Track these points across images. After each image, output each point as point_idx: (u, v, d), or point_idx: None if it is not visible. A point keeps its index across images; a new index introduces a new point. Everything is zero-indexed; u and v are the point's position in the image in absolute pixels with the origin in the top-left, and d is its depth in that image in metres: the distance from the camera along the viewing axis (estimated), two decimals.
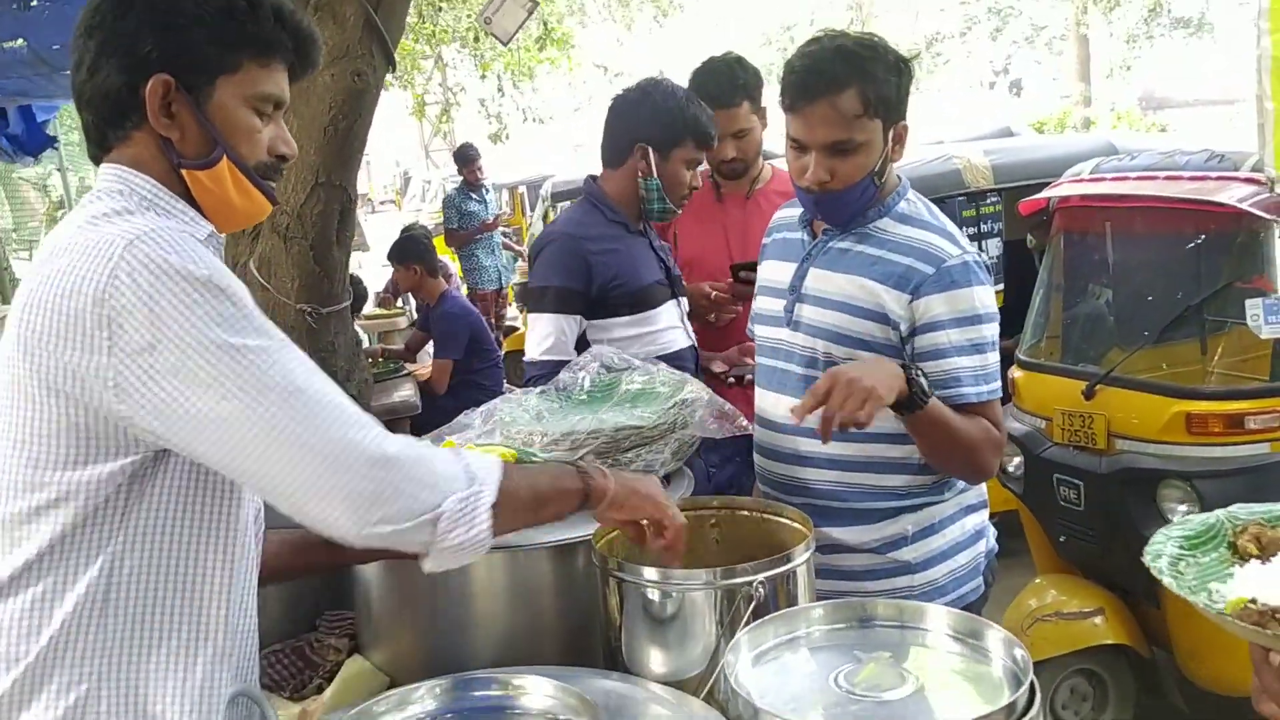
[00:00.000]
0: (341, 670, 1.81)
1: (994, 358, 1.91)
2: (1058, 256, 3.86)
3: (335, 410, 1.19)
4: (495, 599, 1.71)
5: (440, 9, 10.32)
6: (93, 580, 1.19)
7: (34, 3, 4.56)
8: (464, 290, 9.22)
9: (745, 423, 2.04)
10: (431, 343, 6.03)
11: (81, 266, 1.15)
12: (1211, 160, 3.35)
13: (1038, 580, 3.56)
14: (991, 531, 2.12)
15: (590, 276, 2.44)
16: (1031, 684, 1.22)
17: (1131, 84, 21.90)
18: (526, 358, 2.50)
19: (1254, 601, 1.20)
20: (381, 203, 25.96)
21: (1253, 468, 3.04)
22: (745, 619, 1.48)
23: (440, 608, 1.72)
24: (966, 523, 2.03)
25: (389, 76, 3.54)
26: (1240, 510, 1.44)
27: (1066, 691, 3.34)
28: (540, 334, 2.46)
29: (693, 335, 2.63)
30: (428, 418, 4.74)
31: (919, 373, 1.77)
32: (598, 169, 2.64)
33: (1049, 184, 3.96)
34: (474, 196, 9.43)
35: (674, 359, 2.39)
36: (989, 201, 4.83)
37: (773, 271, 2.12)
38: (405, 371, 5.75)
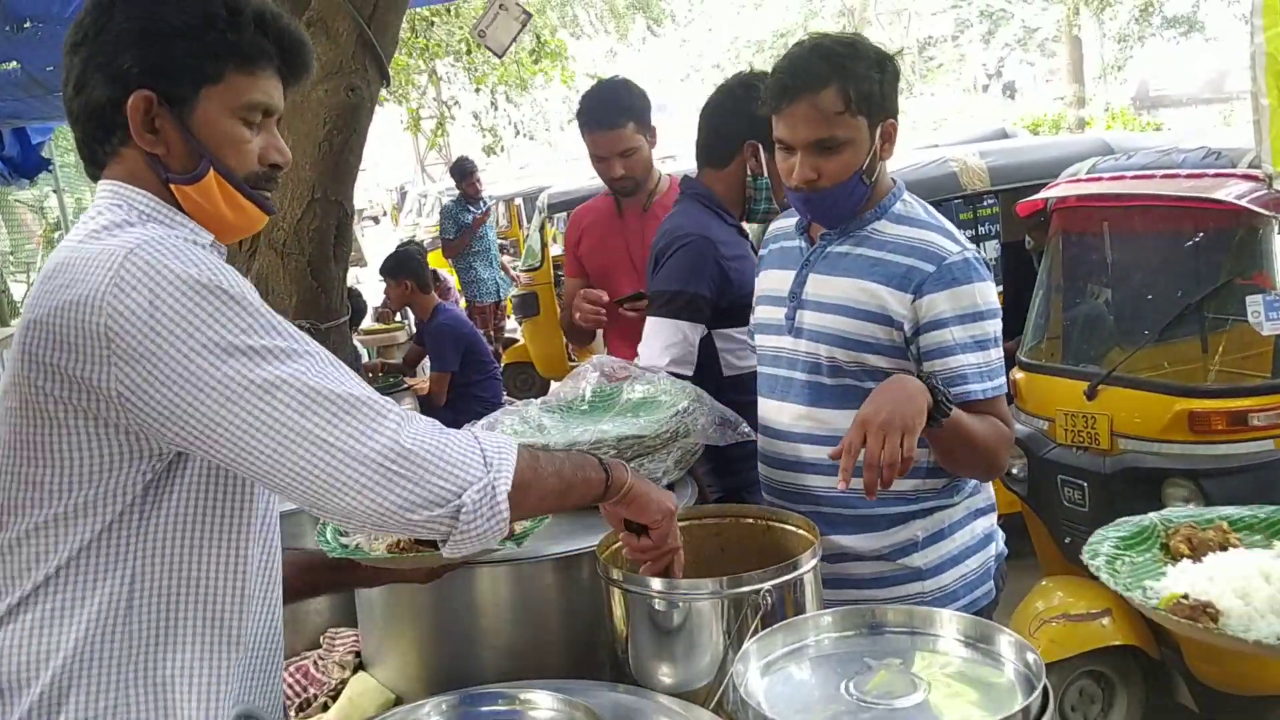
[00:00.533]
0: (347, 688, 1.81)
1: (998, 353, 1.90)
2: (1056, 257, 3.86)
3: (350, 405, 1.17)
4: (500, 612, 1.70)
5: (433, 24, 10.34)
6: (114, 588, 1.19)
7: (27, 24, 4.55)
8: (462, 304, 9.23)
9: (748, 429, 2.03)
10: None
11: (83, 279, 1.14)
12: (1208, 157, 3.35)
13: (1044, 582, 3.54)
14: (1000, 535, 2.10)
15: (723, 284, 2.35)
16: (1045, 688, 1.21)
17: (1124, 84, 21.97)
18: (643, 362, 2.32)
19: (1185, 597, 1.31)
20: (374, 218, 26.02)
21: (1257, 465, 3.03)
22: (753, 628, 1.47)
23: (445, 623, 1.71)
24: (976, 526, 2.02)
25: (383, 91, 3.55)
26: (1173, 513, 1.55)
27: (1075, 694, 3.32)
28: (664, 341, 2.33)
29: None
30: None
31: (937, 382, 1.75)
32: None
33: (1046, 185, 3.96)
34: (471, 209, 9.44)
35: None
36: (986, 204, 4.83)
37: (772, 280, 2.10)
38: (405, 385, 5.75)
